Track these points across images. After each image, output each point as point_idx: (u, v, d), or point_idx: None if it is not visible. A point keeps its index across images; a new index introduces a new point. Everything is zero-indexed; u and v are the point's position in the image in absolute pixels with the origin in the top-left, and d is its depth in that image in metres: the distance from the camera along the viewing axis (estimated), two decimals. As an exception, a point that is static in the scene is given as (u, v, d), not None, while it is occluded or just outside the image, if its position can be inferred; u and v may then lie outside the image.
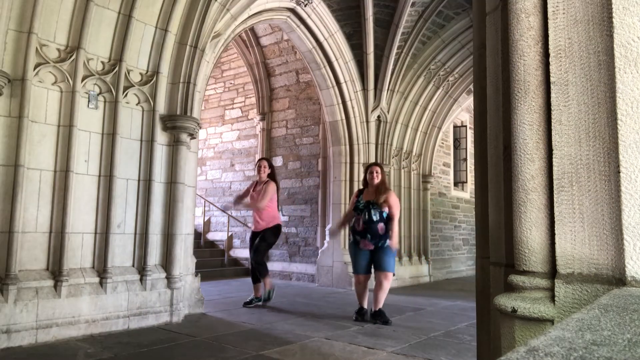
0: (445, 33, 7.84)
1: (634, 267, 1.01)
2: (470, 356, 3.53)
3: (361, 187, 5.28)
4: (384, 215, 4.81)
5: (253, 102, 9.66)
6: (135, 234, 4.48)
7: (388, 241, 4.81)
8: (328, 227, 7.92)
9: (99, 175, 4.27)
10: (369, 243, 4.81)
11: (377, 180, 4.94)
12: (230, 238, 9.59)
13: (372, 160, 7.87)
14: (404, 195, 8.46)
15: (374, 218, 4.77)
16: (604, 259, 1.06)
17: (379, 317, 4.74)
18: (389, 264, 4.83)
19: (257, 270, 5.60)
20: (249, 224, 9.28)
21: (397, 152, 8.36)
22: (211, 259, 9.14)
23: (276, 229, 5.68)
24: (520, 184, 1.20)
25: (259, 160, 6.03)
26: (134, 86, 4.50)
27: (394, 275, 5.01)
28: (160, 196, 4.66)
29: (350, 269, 7.57)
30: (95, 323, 4.06)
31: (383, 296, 4.87)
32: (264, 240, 5.62)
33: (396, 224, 4.88)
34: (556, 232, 1.13)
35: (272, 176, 5.76)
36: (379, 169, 5.02)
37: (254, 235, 5.76)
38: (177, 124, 4.71)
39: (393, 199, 4.90)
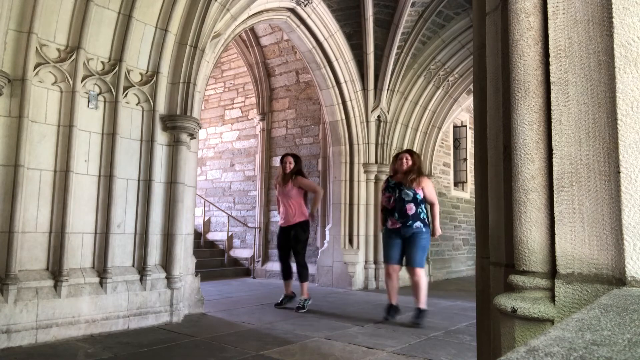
0: (445, 33, 7.83)
1: (634, 267, 1.01)
2: (470, 356, 3.53)
3: (388, 176, 5.15)
4: (418, 197, 4.71)
5: (253, 102, 9.66)
6: (135, 234, 4.48)
7: (420, 225, 4.68)
8: (328, 227, 7.92)
9: (99, 175, 4.28)
10: (396, 221, 4.73)
11: (405, 167, 4.81)
12: (230, 238, 9.58)
13: (373, 160, 7.87)
14: (404, 195, 8.45)
15: (405, 197, 4.70)
16: (604, 259, 1.06)
17: (415, 316, 4.61)
18: (415, 257, 4.67)
19: (300, 273, 5.48)
20: (249, 224, 9.28)
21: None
22: (211, 259, 9.13)
23: (306, 225, 5.56)
24: (520, 184, 1.20)
25: (284, 155, 5.68)
26: (134, 86, 4.50)
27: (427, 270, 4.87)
28: (160, 196, 4.66)
29: (350, 269, 7.58)
30: (95, 323, 4.06)
31: (420, 293, 4.67)
32: (298, 240, 5.50)
33: (437, 209, 4.83)
34: (556, 232, 1.13)
35: (299, 172, 5.58)
36: (408, 156, 4.88)
37: (283, 231, 5.61)
38: (177, 124, 4.71)
39: (425, 182, 4.80)
